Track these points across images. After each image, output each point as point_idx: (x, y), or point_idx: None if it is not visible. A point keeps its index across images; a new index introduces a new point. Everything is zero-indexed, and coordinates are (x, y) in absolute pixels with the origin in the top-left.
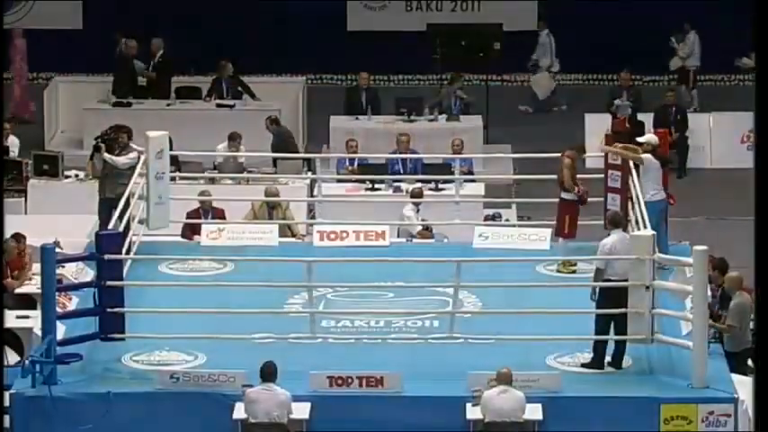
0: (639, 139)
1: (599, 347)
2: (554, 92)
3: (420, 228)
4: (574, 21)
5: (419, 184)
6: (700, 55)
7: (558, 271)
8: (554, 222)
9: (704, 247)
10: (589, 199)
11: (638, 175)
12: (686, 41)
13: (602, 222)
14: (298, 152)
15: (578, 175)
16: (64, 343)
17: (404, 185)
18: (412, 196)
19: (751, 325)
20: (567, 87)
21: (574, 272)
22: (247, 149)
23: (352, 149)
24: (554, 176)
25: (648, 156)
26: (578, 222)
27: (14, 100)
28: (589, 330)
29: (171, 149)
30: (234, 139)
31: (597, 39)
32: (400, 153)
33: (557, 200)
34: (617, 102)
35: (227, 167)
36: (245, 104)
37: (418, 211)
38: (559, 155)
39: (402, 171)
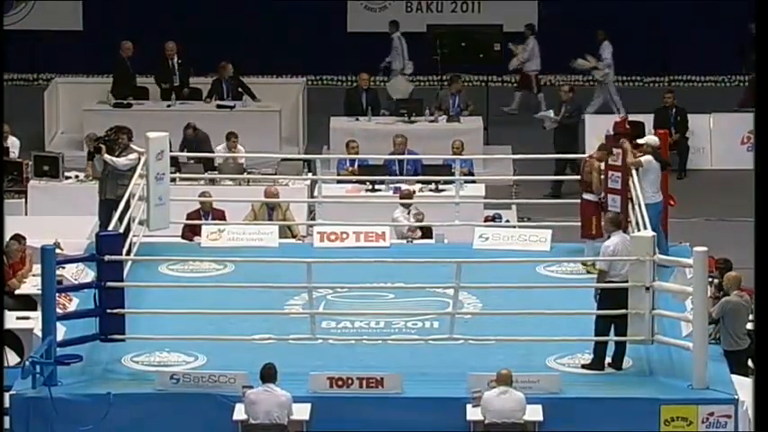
0: (640, 141)
1: (599, 348)
2: (411, 93)
3: (407, 227)
4: (571, 21)
5: (409, 186)
6: (539, 59)
7: (588, 271)
8: (554, 223)
9: (704, 248)
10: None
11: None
12: (525, 46)
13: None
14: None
15: (578, 176)
16: (64, 344)
17: (404, 186)
18: (401, 198)
19: (749, 325)
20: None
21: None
22: (248, 150)
23: (353, 151)
24: (553, 178)
25: (648, 157)
26: (577, 223)
27: None
28: (589, 331)
29: (171, 151)
30: (230, 138)
31: (596, 40)
32: (396, 154)
33: (556, 201)
34: (540, 114)
35: (227, 168)
36: (246, 105)
37: (409, 212)
38: (558, 156)
39: (398, 172)
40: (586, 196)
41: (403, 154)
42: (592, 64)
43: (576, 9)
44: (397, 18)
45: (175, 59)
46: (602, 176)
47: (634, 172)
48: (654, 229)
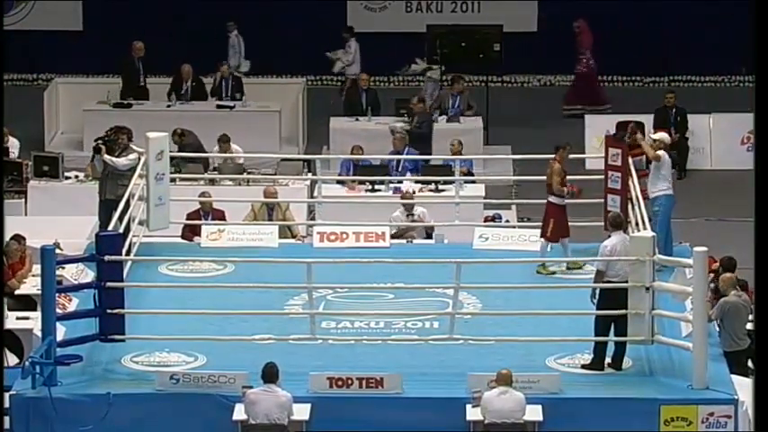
0: (654, 136)
1: (599, 348)
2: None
3: (398, 228)
4: (575, 20)
5: (409, 187)
6: (360, 62)
7: (538, 272)
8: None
9: (704, 249)
10: (590, 200)
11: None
12: (347, 49)
13: (603, 224)
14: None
15: (578, 176)
16: (64, 344)
17: (404, 186)
18: (402, 198)
19: (749, 326)
20: (566, 88)
21: (553, 273)
22: (248, 150)
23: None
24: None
25: (662, 152)
26: (577, 224)
27: None
28: (589, 331)
29: (170, 151)
30: (223, 141)
31: (600, 39)
32: (395, 151)
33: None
34: (392, 124)
35: (227, 168)
36: (246, 105)
37: (410, 214)
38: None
39: (396, 169)
40: (550, 198)
41: (402, 151)
42: (424, 66)
43: (575, 9)
44: (397, 18)
45: (190, 82)
46: (563, 178)
47: (633, 172)
48: (666, 226)
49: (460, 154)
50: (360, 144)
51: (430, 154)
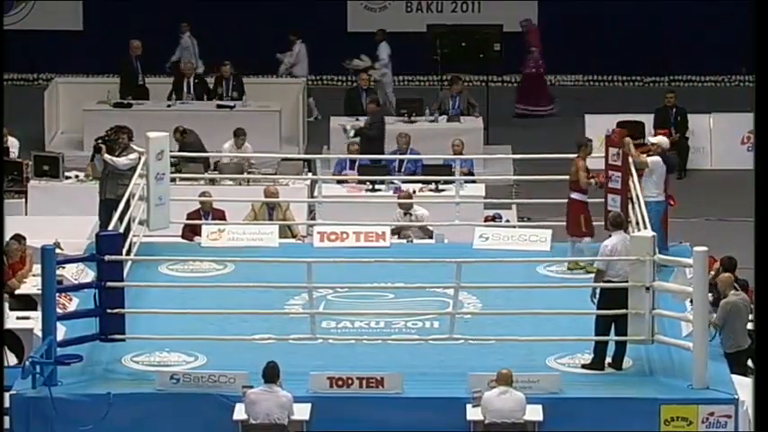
0: (652, 140)
1: (599, 348)
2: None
3: (401, 223)
4: (575, 20)
5: (407, 188)
6: (306, 64)
7: (588, 271)
8: (554, 223)
9: (704, 248)
10: (590, 200)
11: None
12: (292, 51)
13: (603, 223)
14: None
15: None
16: (64, 344)
17: (405, 186)
18: (399, 198)
19: (749, 326)
20: (568, 88)
21: (583, 268)
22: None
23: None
24: (554, 177)
25: (656, 158)
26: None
27: None
28: (589, 331)
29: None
30: (239, 135)
31: (599, 39)
32: (400, 152)
33: (557, 201)
34: (341, 123)
35: (228, 168)
36: (246, 105)
37: (407, 213)
38: (559, 156)
39: (398, 169)
40: (573, 195)
41: (406, 153)
42: (366, 64)
43: (575, 9)
44: (397, 18)
45: (192, 78)
46: (588, 173)
47: (634, 170)
48: (654, 228)
49: (462, 154)
50: (358, 146)
51: (381, 153)
